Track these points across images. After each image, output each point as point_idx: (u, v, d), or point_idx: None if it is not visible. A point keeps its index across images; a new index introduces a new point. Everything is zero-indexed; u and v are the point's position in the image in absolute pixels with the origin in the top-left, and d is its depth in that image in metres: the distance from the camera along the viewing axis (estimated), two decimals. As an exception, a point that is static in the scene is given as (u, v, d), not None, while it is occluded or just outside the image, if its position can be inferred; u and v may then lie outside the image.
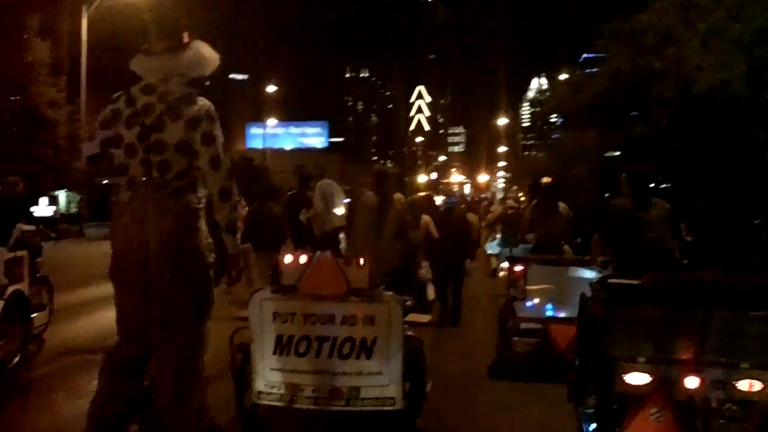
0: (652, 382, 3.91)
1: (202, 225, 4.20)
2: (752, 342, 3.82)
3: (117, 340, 4.25)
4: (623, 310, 4.01)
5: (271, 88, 62.76)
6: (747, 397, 3.87)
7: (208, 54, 4.33)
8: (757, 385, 3.83)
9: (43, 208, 19.67)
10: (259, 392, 4.60)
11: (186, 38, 4.29)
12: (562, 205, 8.55)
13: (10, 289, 6.85)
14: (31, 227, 7.62)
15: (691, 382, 3.87)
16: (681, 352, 3.89)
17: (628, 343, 3.97)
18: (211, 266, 4.26)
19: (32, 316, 7.38)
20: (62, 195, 25.59)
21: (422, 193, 15.33)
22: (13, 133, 24.28)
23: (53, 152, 26.69)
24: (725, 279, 4.00)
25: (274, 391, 4.57)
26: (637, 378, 3.93)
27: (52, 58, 25.27)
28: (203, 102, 4.16)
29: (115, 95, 4.27)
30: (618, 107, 23.55)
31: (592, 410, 4.46)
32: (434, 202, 11.97)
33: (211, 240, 4.27)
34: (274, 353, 4.54)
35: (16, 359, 6.89)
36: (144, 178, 4.02)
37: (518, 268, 7.32)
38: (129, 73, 4.35)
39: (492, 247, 9.12)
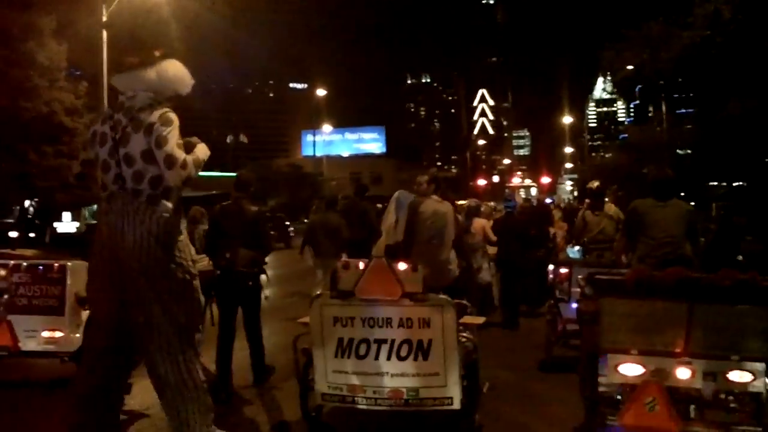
0: (645, 372, 4.00)
1: (182, 237, 4.20)
2: (739, 335, 3.91)
3: (78, 371, 4.23)
4: (609, 304, 4.11)
5: (329, 96, 62.96)
6: (739, 388, 3.95)
7: (172, 74, 4.27)
8: (747, 376, 3.92)
9: (66, 224, 18.07)
10: (323, 394, 4.80)
11: (158, 54, 4.27)
12: (612, 207, 8.79)
13: None
14: None
15: (683, 373, 3.96)
16: (671, 345, 3.98)
17: (618, 336, 4.07)
18: (194, 280, 4.19)
19: None
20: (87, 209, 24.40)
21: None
22: (25, 144, 21.64)
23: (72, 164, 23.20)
24: (705, 275, 4.08)
25: (337, 392, 4.77)
26: (630, 369, 4.03)
27: (69, 62, 23.00)
28: (162, 109, 4.14)
29: (98, 116, 4.35)
30: (716, 66, 18.21)
31: None
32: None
33: (193, 254, 4.27)
34: (336, 356, 4.74)
35: None
36: (119, 191, 4.09)
37: (563, 270, 7.46)
38: None
39: (573, 252, 9.36)
